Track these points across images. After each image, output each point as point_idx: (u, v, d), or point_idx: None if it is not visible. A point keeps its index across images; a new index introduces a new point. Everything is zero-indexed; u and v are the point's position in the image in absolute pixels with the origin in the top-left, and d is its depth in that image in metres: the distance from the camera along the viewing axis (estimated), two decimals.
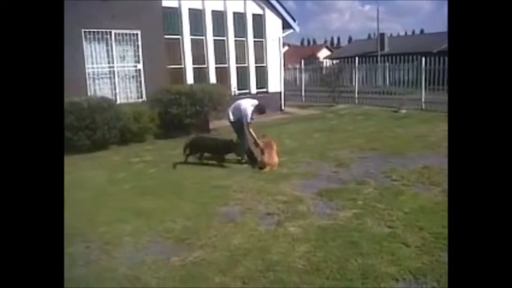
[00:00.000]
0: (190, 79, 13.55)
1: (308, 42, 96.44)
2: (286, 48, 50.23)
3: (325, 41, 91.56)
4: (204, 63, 14.14)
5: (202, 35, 14.00)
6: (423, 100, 15.82)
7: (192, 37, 13.69)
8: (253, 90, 15.53)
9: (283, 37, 16.90)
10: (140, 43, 11.69)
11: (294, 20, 16.66)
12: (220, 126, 12.02)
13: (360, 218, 4.94)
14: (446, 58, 15.42)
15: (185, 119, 10.97)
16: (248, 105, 7.99)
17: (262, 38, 15.76)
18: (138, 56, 11.75)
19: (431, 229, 4.51)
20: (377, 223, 4.79)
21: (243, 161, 8.11)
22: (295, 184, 6.46)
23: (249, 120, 7.90)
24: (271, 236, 4.53)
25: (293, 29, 16.89)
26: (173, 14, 13.24)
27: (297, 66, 21.97)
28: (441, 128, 11.31)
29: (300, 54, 46.11)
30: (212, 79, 14.08)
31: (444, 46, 33.53)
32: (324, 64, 24.94)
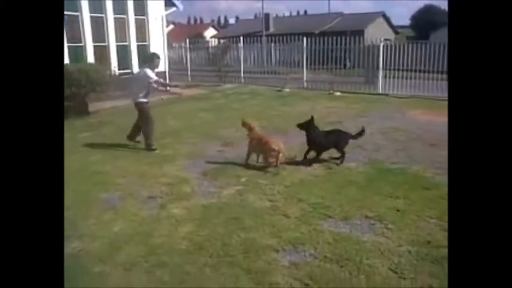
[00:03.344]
0: (65, 58, 12.51)
1: (195, 20, 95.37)
2: (172, 26, 49.11)
3: (212, 21, 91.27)
4: (80, 42, 13.16)
5: (77, 11, 12.98)
6: (304, 79, 16.63)
7: (67, 13, 12.59)
8: (136, 69, 14.87)
9: (167, 15, 16.40)
10: None
11: None
12: (101, 109, 11.38)
13: (243, 194, 5.05)
14: (326, 39, 16.29)
15: None
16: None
17: (143, 15, 15.10)
18: None
19: (309, 200, 4.79)
20: (259, 197, 4.94)
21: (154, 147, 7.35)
22: (179, 165, 6.37)
23: (155, 79, 7.35)
24: (154, 220, 4.43)
25: (176, 7, 16.48)
26: None
27: (183, 45, 21.52)
28: (321, 105, 12.02)
29: (186, 32, 45.25)
30: (90, 58, 13.19)
31: (327, 26, 35.52)
32: (211, 43, 24.83)
